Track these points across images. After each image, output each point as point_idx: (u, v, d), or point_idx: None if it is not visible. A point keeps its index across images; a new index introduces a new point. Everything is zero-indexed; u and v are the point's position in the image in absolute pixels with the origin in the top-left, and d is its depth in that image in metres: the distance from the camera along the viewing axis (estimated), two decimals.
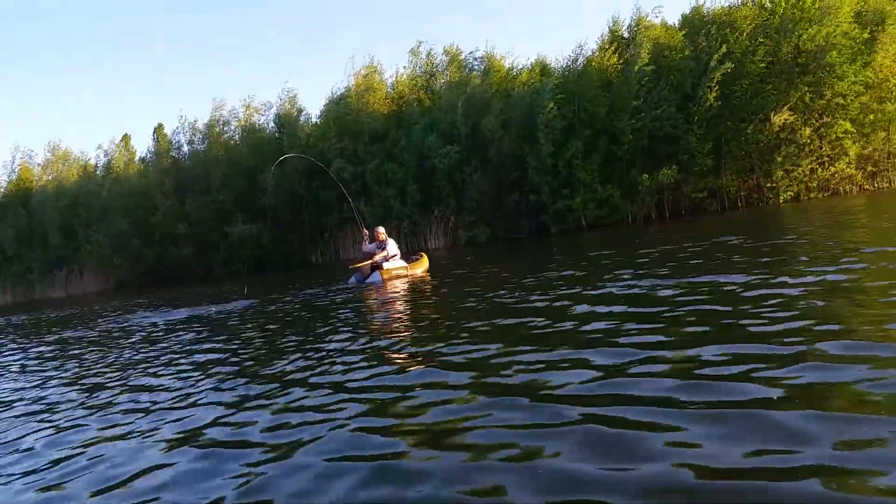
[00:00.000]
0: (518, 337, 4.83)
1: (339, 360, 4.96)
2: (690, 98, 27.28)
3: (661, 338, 4.10)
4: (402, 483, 2.39)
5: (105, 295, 33.83)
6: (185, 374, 5.36)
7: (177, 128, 41.53)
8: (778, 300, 4.75)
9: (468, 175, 30.25)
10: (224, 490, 2.59)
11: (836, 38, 25.12)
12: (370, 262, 13.64)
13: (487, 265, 14.12)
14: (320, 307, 9.81)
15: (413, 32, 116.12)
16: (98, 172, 44.53)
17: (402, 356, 4.82)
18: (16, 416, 4.74)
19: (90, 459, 3.32)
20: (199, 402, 4.26)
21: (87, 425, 4.10)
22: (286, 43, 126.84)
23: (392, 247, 13.99)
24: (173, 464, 3.02)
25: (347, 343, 5.76)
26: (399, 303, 9.23)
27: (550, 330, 4.96)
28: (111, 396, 4.92)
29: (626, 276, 7.74)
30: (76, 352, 8.47)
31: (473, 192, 30.11)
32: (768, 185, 27.26)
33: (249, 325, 8.55)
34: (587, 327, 4.82)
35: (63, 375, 6.42)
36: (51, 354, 8.69)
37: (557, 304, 6.28)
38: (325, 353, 5.35)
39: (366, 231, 14.64)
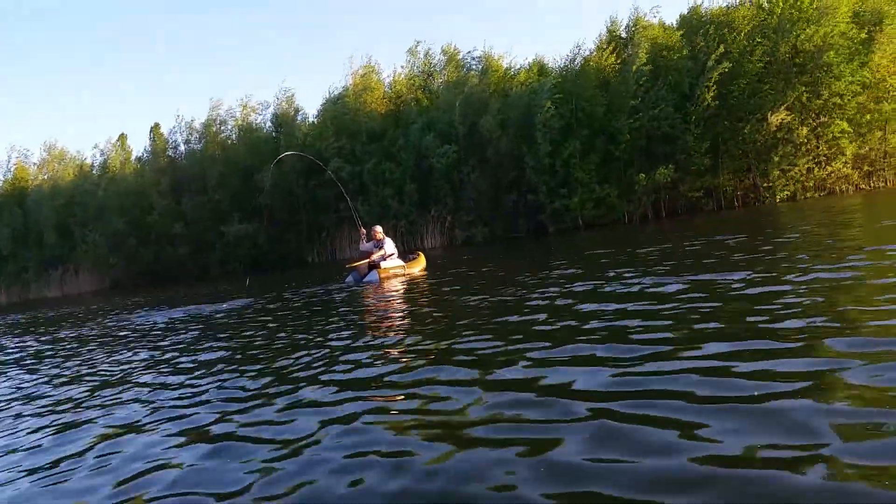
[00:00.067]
0: (522, 334, 4.82)
1: (344, 357, 4.95)
2: (688, 98, 27.31)
3: (667, 334, 4.09)
4: (415, 478, 2.38)
5: (101, 294, 33.78)
6: (190, 372, 5.34)
7: (173, 127, 41.62)
8: (780, 297, 4.75)
9: (466, 175, 30.27)
10: (238, 485, 2.58)
11: (834, 39, 25.17)
12: (367, 261, 13.62)
13: (486, 264, 14.11)
14: (319, 306, 9.79)
15: (413, 33, 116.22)
16: (94, 172, 44.51)
17: (406, 353, 4.81)
18: (22, 414, 4.72)
19: (100, 456, 3.30)
20: (206, 399, 4.24)
21: (93, 422, 4.08)
22: (286, 43, 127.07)
23: (389, 246, 13.98)
24: (186, 460, 3.01)
25: (350, 340, 5.75)
26: (399, 301, 9.21)
27: (555, 327, 4.95)
28: (117, 394, 4.90)
29: (626, 275, 7.73)
30: (78, 350, 8.44)
31: (471, 191, 30.12)
32: (765, 184, 27.30)
33: (250, 324, 8.53)
34: (592, 324, 4.81)
35: (66, 374, 6.39)
36: (51, 352, 8.67)
37: (560, 301, 6.27)
38: (329, 351, 5.34)
39: (363, 230, 14.61)
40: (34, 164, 47.92)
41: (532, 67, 32.92)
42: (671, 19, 31.11)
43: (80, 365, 6.85)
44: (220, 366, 5.39)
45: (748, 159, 27.59)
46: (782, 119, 25.97)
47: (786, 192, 26.89)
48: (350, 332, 6.27)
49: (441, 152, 30.06)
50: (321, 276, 18.91)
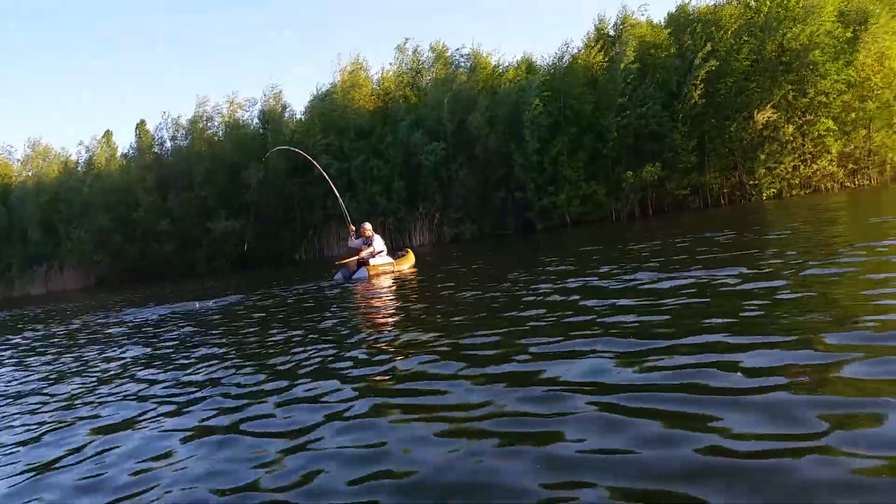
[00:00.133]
0: (519, 328, 4.83)
1: (340, 353, 4.94)
2: (675, 96, 27.44)
3: (663, 329, 4.11)
4: (420, 472, 2.38)
5: (87, 291, 33.55)
6: (185, 368, 5.32)
7: (160, 124, 41.43)
8: (775, 293, 4.78)
9: (454, 172, 30.28)
10: (243, 480, 2.58)
11: (820, 37, 25.36)
12: (356, 258, 13.61)
13: (476, 261, 14.10)
14: (310, 303, 9.76)
15: (413, 32, 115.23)
16: (79, 168, 44.15)
17: (404, 348, 4.81)
18: (18, 411, 4.68)
19: (100, 452, 3.29)
20: (204, 394, 4.22)
21: (91, 417, 4.07)
22: (286, 43, 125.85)
23: (378, 243, 13.98)
24: (189, 455, 3.00)
25: (345, 337, 5.75)
26: (391, 298, 9.20)
27: (552, 322, 4.96)
28: (112, 390, 4.87)
29: (618, 271, 7.76)
30: (69, 347, 8.38)
31: (459, 188, 30.14)
32: (751, 182, 27.48)
33: (241, 321, 8.50)
34: (588, 319, 4.83)
35: (59, 371, 6.35)
36: (42, 349, 8.61)
37: (554, 297, 6.28)
38: (324, 347, 5.32)
39: (352, 227, 14.58)
40: (18, 160, 47.59)
41: (520, 65, 32.97)
42: (659, 17, 31.09)
43: (72, 362, 6.80)
44: (214, 362, 5.36)
45: (734, 157, 27.76)
46: (768, 117, 26.16)
47: (772, 190, 27.07)
48: (344, 328, 6.27)
49: (429, 150, 30.04)
50: (310, 273, 18.85)
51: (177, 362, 5.66)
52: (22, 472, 3.14)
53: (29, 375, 6.32)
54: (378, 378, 3.97)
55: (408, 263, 14.40)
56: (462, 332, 5.07)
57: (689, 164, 27.33)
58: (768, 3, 26.74)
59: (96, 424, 3.86)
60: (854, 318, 3.68)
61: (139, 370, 5.56)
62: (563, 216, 28.16)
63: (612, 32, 30.54)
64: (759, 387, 2.72)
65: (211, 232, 35.51)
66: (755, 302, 4.53)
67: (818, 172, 26.93)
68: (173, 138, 40.36)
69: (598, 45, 29.30)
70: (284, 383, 4.14)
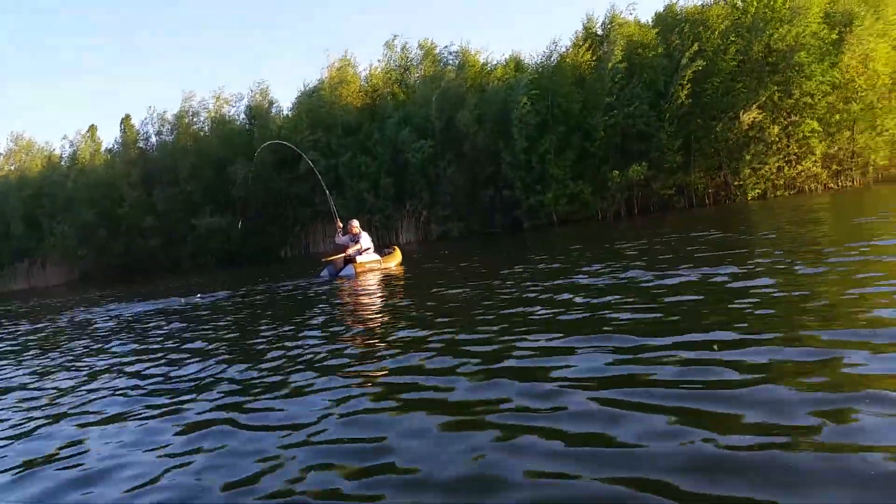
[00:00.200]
0: (512, 325, 4.87)
1: (332, 349, 4.97)
2: (662, 96, 27.55)
3: (658, 326, 4.17)
4: (425, 468, 2.41)
5: (71, 287, 33.30)
6: (181, 363, 5.30)
7: (145, 119, 41.04)
8: (767, 290, 4.86)
9: (442, 169, 30.23)
10: (242, 472, 2.59)
11: (806, 39, 25.53)
12: (343, 255, 13.59)
13: (464, 259, 14.12)
14: (299, 299, 9.76)
15: (412, 32, 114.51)
16: (63, 163, 43.79)
17: (397, 344, 4.82)
18: (13, 407, 4.64)
19: (102, 446, 3.29)
20: (202, 388, 4.22)
21: (86, 412, 4.05)
22: (273, 39, 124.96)
23: (366, 240, 13.97)
24: (194, 448, 3.00)
25: (337, 332, 5.79)
26: (379, 295, 9.21)
27: (543, 318, 5.00)
28: (106, 385, 4.85)
29: (608, 270, 7.81)
30: (59, 342, 8.32)
31: (447, 186, 30.10)
32: (736, 182, 27.64)
33: (230, 317, 8.49)
34: (581, 316, 4.87)
35: (51, 365, 6.31)
36: (34, 344, 8.56)
37: (545, 295, 6.32)
38: (317, 343, 5.35)
39: (340, 224, 14.55)
40: (0, 154, 46.99)
41: (509, 63, 32.97)
42: (647, 17, 31.21)
43: (63, 357, 6.76)
44: (203, 358, 5.36)
45: (720, 157, 27.92)
46: (754, 118, 26.32)
47: (756, 191, 27.26)
48: (332, 325, 6.29)
49: (416, 147, 29.99)
50: (296, 270, 18.81)
51: (166, 358, 5.64)
52: (12, 468, 3.13)
53: (22, 371, 6.27)
54: (372, 373, 3.99)
55: (395, 261, 14.40)
56: (453, 328, 5.10)
57: (674, 164, 27.46)
58: (755, 3, 26.89)
59: (89, 419, 3.85)
60: (843, 315, 3.76)
61: (128, 366, 5.54)
62: (550, 215, 28.21)
63: (599, 31, 30.60)
64: (750, 380, 2.78)
65: (196, 228, 35.29)
66: (747, 300, 4.59)
67: (802, 173, 27.13)
68: (159, 133, 40.11)
69: (587, 44, 29.34)
70: (277, 378, 4.16)
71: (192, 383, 4.39)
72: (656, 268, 7.22)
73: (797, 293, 4.61)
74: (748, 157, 26.81)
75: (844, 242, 7.40)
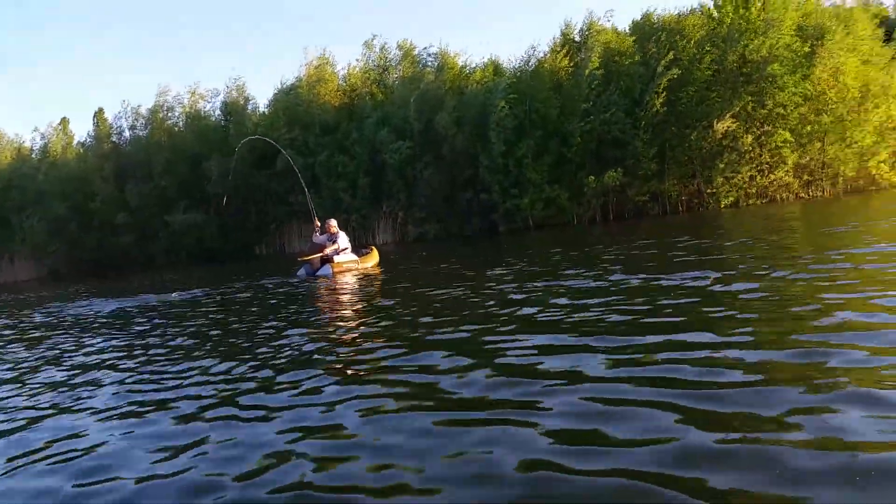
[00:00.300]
0: (496, 325, 4.96)
1: (313, 346, 5.04)
2: (638, 103, 27.78)
3: (640, 327, 4.28)
4: (434, 465, 2.47)
5: (42, 282, 32.78)
6: (167, 359, 5.33)
7: (119, 113, 40.45)
8: (750, 294, 5.01)
9: (419, 171, 30.18)
10: (247, 465, 2.63)
11: (779, 50, 25.96)
12: (320, 254, 13.56)
13: (443, 261, 14.17)
14: (279, 297, 9.78)
15: (410, 33, 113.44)
16: (34, 156, 43.02)
17: (384, 342, 4.87)
18: (6, 404, 4.60)
19: (106, 440, 3.32)
20: (198, 384, 4.25)
21: (77, 409, 4.06)
22: (250, 35, 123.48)
23: (343, 240, 13.96)
24: (200, 443, 3.03)
25: (320, 330, 5.86)
26: (357, 295, 9.24)
27: (525, 318, 5.11)
28: (94, 379, 4.87)
29: (588, 273, 7.91)
30: (38, 338, 8.24)
31: (425, 188, 30.04)
32: (709, 190, 27.99)
33: (211, 315, 8.51)
34: (563, 316, 4.96)
35: (32, 360, 6.31)
36: (15, 339, 8.43)
37: (528, 296, 6.42)
38: (303, 342, 5.41)
39: (317, 223, 14.52)
40: None
41: (487, 67, 33.01)
42: (624, 25, 31.46)
43: (46, 352, 6.72)
44: (191, 354, 5.41)
45: (694, 165, 28.24)
46: (728, 127, 26.67)
47: (729, 199, 27.57)
48: (316, 323, 6.37)
49: (394, 148, 29.91)
50: (272, 268, 18.75)
51: (151, 354, 5.68)
52: (13, 459, 3.15)
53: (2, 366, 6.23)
54: (359, 371, 4.06)
55: (372, 261, 14.42)
56: (440, 327, 5.17)
57: (649, 172, 27.71)
58: (731, 14, 27.27)
59: (77, 414, 3.87)
60: (822, 318, 3.90)
61: (120, 361, 5.56)
62: (527, 219, 28.31)
63: (577, 38, 30.79)
64: (744, 381, 2.89)
65: (170, 224, 34.91)
66: (725, 302, 4.74)
67: (774, 183, 27.55)
68: (132, 128, 39.56)
69: (564, 50, 29.53)
70: (264, 374, 4.22)
71: (181, 380, 4.40)
72: (636, 272, 7.35)
73: (775, 297, 4.76)
74: (721, 166, 27.15)
75: (820, 251, 7.63)
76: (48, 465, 2.97)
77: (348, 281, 11.42)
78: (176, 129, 37.85)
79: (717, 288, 5.50)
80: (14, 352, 7.10)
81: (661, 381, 3.03)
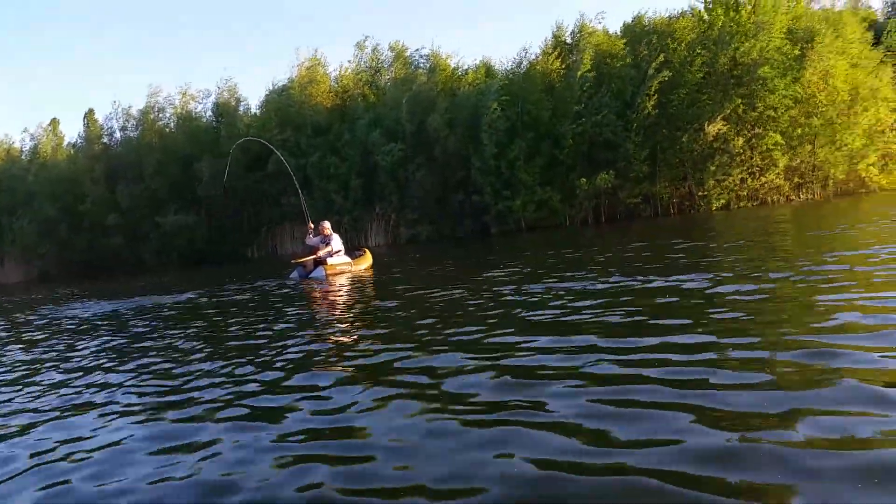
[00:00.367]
0: (493, 326, 4.98)
1: (313, 348, 5.08)
2: (630, 106, 27.88)
3: (638, 328, 4.32)
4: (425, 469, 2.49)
5: (32, 284, 32.60)
6: (172, 362, 5.33)
7: (109, 114, 40.25)
8: (736, 295, 5.07)
9: (411, 173, 30.13)
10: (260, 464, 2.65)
11: (770, 53, 26.11)
12: (313, 256, 13.54)
13: (437, 263, 14.17)
14: (273, 300, 9.76)
15: (410, 33, 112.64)
16: (23, 157, 42.75)
17: (397, 343, 4.88)
18: (18, 404, 4.58)
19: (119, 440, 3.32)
20: (198, 388, 4.26)
21: (90, 406, 4.07)
22: (242, 35, 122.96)
23: (337, 242, 13.94)
24: (213, 441, 3.05)
25: (315, 332, 5.88)
26: (351, 297, 9.24)
27: (523, 320, 5.14)
28: (102, 382, 4.86)
29: (584, 275, 7.94)
30: (36, 340, 8.18)
31: (417, 190, 30.01)
32: (700, 193, 28.11)
33: (209, 317, 8.48)
34: (562, 318, 4.99)
35: (31, 361, 6.28)
36: (9, 341, 8.39)
37: (525, 298, 6.44)
38: (301, 343, 5.43)
39: (311, 224, 14.50)
40: None
41: (479, 69, 33.04)
42: (616, 27, 31.58)
43: (48, 354, 6.68)
44: (197, 355, 5.41)
45: (685, 168, 28.37)
46: (719, 129, 26.80)
47: (720, 201, 27.70)
48: (313, 326, 6.39)
49: (386, 150, 29.88)
50: (265, 270, 18.69)
51: (156, 356, 5.67)
52: (28, 459, 3.15)
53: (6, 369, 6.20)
54: (361, 372, 4.07)
55: (365, 264, 14.41)
56: (435, 329, 5.20)
57: (641, 174, 27.81)
58: (722, 17, 27.41)
59: (87, 416, 3.88)
60: (819, 318, 3.96)
61: (117, 363, 5.56)
62: (519, 221, 28.34)
63: (569, 40, 30.87)
64: (748, 383, 2.92)
65: (161, 226, 34.74)
66: (725, 304, 4.78)
67: (765, 185, 27.69)
68: (123, 129, 39.34)
69: (556, 53, 29.62)
70: (271, 375, 4.24)
71: (187, 381, 4.42)
72: (632, 274, 7.39)
73: (775, 299, 4.81)
74: (713, 169, 27.28)
75: (814, 253, 7.68)
76: (63, 465, 2.98)
77: (340, 283, 11.41)
78: (167, 130, 37.66)
79: (716, 290, 5.54)
80: (12, 354, 7.06)
81: (668, 381, 3.06)
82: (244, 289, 12.25)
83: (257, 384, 4.03)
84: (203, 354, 5.35)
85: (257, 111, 36.66)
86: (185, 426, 3.34)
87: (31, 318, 11.62)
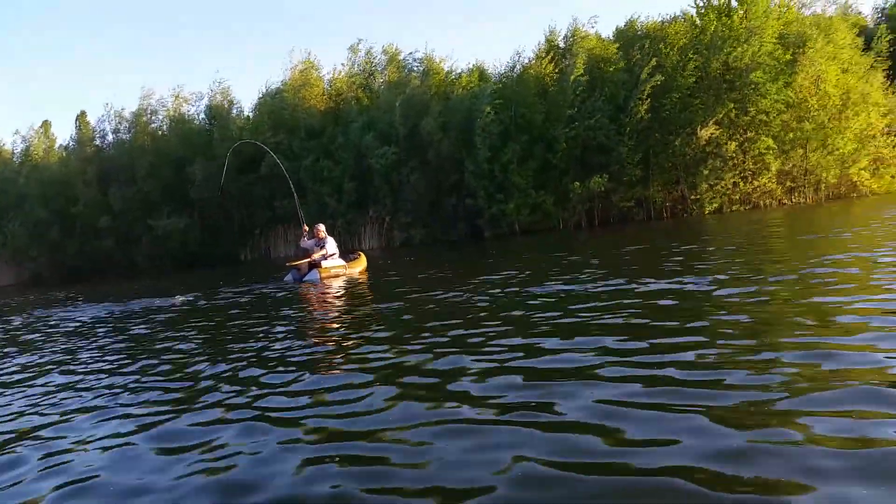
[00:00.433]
0: (492, 328, 4.99)
1: (333, 350, 5.12)
2: (622, 110, 27.97)
3: (642, 329, 4.36)
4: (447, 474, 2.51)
5: (24, 287, 32.45)
6: (171, 362, 5.34)
7: (102, 116, 40.10)
8: (734, 298, 5.12)
9: (405, 176, 30.13)
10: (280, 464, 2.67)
11: (762, 58, 26.26)
12: (308, 259, 13.54)
13: (433, 267, 14.19)
14: (269, 303, 9.74)
15: (410, 33, 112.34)
16: (15, 159, 42.52)
17: (402, 345, 4.90)
18: (24, 406, 4.58)
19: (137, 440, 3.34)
20: (203, 390, 4.28)
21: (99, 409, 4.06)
22: (235, 38, 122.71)
23: (331, 245, 13.94)
24: (226, 442, 3.08)
25: (321, 336, 5.86)
26: (348, 300, 9.24)
27: (522, 321, 5.15)
28: (108, 383, 4.87)
29: (583, 278, 7.97)
30: (33, 343, 8.17)
31: (410, 193, 30.01)
32: (693, 196, 28.22)
33: (208, 319, 8.45)
34: (561, 320, 5.02)
35: (33, 364, 6.27)
36: (10, 343, 8.36)
37: (523, 300, 6.45)
38: (300, 345, 5.47)
39: (306, 227, 14.50)
40: None
41: (473, 72, 33.07)
42: (608, 32, 31.72)
43: (49, 357, 6.67)
44: (199, 356, 5.41)
45: (677, 172, 28.47)
46: (711, 133, 26.94)
47: (713, 205, 27.82)
48: (317, 326, 6.41)
49: (380, 153, 29.86)
50: (259, 273, 18.67)
51: (159, 358, 5.67)
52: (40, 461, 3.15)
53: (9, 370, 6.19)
54: (369, 374, 4.07)
55: (360, 267, 14.40)
56: (436, 331, 5.23)
57: (634, 178, 27.89)
58: (714, 22, 27.56)
59: (94, 417, 3.89)
60: (817, 318, 4.01)
61: (119, 365, 5.57)
62: (512, 224, 28.38)
63: (562, 44, 30.98)
64: (746, 383, 2.97)
65: (153, 229, 34.61)
66: (725, 305, 4.82)
67: (758, 189, 27.84)
68: (115, 131, 39.15)
69: (549, 56, 29.71)
70: (276, 377, 4.25)
71: (193, 383, 4.44)
72: (629, 276, 7.42)
73: (774, 300, 4.87)
74: (705, 173, 27.40)
75: (808, 257, 7.74)
76: (75, 467, 2.99)
77: (335, 286, 11.41)
78: (160, 132, 37.54)
79: (717, 292, 5.58)
80: (12, 357, 7.04)
81: (676, 381, 3.11)
82: (240, 292, 12.24)
83: (265, 386, 4.05)
84: (206, 357, 5.36)
85: (250, 114, 36.57)
86: (197, 428, 3.36)
87: (28, 320, 11.57)
